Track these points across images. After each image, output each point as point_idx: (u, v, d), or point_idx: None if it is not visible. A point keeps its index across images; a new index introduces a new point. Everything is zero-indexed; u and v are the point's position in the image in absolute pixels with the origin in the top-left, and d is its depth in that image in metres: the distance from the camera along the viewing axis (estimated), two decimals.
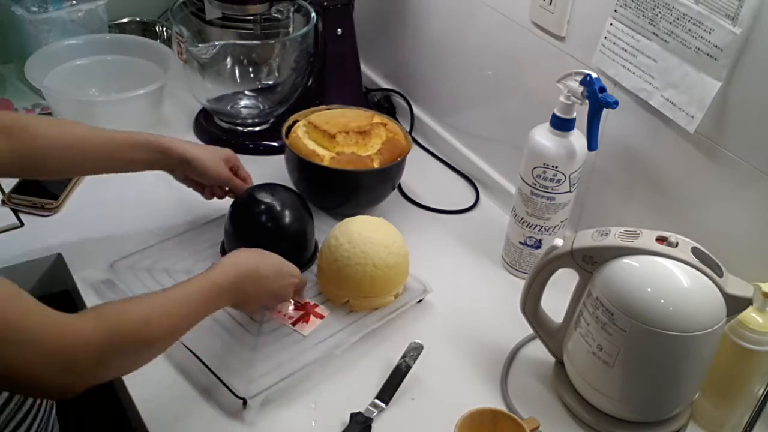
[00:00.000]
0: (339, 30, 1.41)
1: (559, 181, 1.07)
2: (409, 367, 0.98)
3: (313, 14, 1.40)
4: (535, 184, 1.09)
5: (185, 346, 0.97)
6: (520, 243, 1.15)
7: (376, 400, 0.95)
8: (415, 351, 1.00)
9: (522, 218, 1.13)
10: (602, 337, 0.90)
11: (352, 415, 0.93)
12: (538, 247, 1.14)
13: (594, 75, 1.00)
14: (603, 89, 0.99)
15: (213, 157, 1.10)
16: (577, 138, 1.07)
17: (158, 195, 1.24)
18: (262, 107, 1.47)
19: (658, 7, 0.97)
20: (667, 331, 0.85)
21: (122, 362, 0.79)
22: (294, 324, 1.03)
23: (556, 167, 1.07)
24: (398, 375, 0.98)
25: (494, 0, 1.24)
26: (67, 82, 1.41)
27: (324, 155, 1.21)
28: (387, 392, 0.96)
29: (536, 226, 1.12)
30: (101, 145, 1.03)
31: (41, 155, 0.99)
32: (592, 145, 1.03)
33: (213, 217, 1.20)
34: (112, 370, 0.79)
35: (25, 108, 1.46)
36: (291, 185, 1.27)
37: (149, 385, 0.96)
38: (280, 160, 1.27)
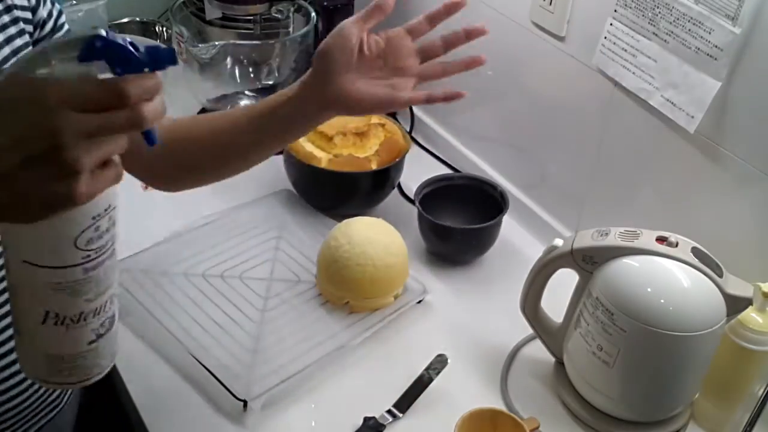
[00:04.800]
0: None
1: None
2: (431, 380, 0.97)
3: (313, 14, 1.40)
4: None
5: (185, 348, 0.97)
6: None
7: (393, 408, 0.95)
8: (440, 364, 0.99)
9: None
10: (602, 337, 0.90)
11: (365, 419, 0.93)
12: None
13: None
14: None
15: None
16: None
17: (155, 197, 1.23)
18: None
19: (658, 7, 0.97)
20: (667, 331, 0.85)
21: None
22: None
23: None
24: (419, 386, 0.97)
25: (494, 0, 1.24)
26: None
27: (321, 157, 1.21)
28: (405, 401, 0.95)
29: None
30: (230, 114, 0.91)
31: (176, 140, 0.86)
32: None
33: (210, 219, 1.20)
34: None
35: None
36: (290, 187, 1.28)
37: (150, 387, 0.96)
38: (278, 161, 1.27)
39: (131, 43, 0.49)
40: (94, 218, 0.55)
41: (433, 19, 0.85)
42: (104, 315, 0.61)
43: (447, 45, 0.85)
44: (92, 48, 0.48)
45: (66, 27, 0.84)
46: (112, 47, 0.48)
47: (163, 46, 0.50)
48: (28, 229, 0.53)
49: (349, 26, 0.81)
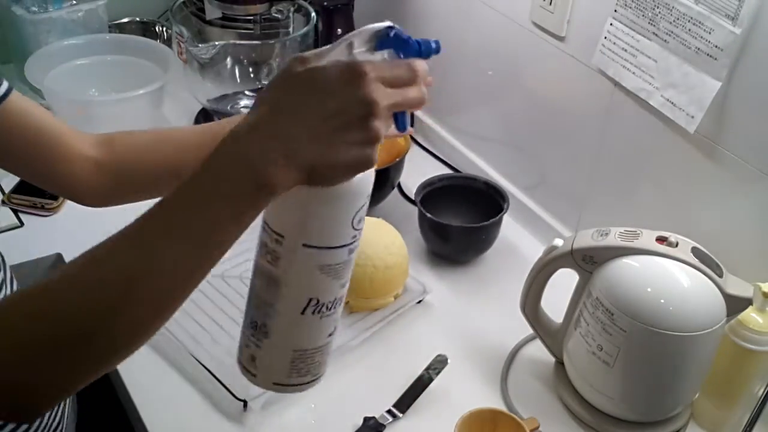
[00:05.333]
0: (339, 30, 1.41)
1: None
2: (431, 380, 0.97)
3: (313, 14, 1.40)
4: None
5: (185, 348, 0.97)
6: None
7: (393, 408, 0.95)
8: (440, 364, 0.99)
9: None
10: (602, 337, 0.90)
11: (365, 419, 0.93)
12: None
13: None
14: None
15: None
16: None
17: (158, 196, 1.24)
18: None
19: (658, 7, 0.97)
20: (667, 331, 0.85)
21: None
22: None
23: None
24: (419, 386, 0.97)
25: (494, 0, 1.24)
26: (67, 82, 1.41)
27: None
28: (405, 401, 0.96)
29: None
30: (197, 133, 0.88)
31: (136, 153, 0.87)
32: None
33: None
34: None
35: None
36: None
37: (150, 387, 0.96)
38: None
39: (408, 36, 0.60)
40: (367, 196, 0.60)
41: None
42: (342, 304, 0.66)
43: None
44: (386, 38, 0.59)
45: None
46: (400, 38, 0.59)
47: (432, 40, 0.61)
48: (319, 208, 0.59)
49: None
